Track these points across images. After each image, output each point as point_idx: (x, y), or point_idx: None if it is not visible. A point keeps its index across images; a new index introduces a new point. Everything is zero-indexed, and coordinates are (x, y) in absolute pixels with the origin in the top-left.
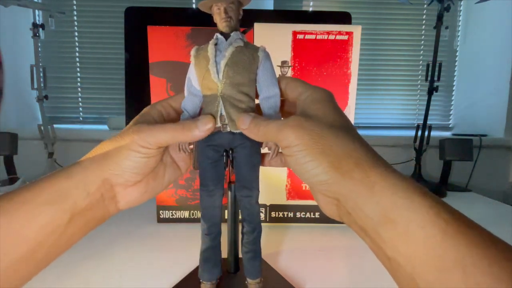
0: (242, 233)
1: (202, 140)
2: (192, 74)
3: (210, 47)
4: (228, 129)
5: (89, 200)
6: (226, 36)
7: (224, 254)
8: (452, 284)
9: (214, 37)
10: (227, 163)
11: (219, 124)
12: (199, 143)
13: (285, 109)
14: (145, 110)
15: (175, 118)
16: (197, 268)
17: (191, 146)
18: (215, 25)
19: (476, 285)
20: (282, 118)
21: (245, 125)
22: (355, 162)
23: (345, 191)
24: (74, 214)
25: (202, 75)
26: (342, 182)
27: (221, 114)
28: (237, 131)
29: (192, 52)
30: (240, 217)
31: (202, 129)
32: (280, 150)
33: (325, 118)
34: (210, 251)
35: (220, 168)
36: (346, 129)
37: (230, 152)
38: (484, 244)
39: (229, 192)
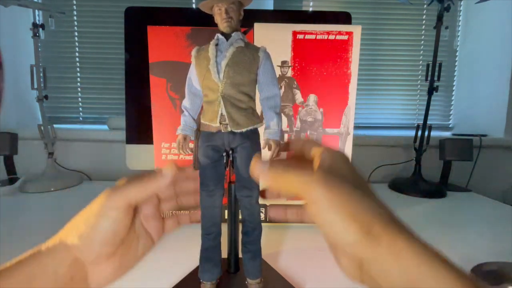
0: (242, 233)
1: (203, 140)
2: (193, 74)
3: (211, 47)
4: (229, 128)
5: (58, 285)
6: (227, 36)
7: (224, 254)
8: None
9: (215, 37)
10: (227, 163)
11: (217, 124)
12: (200, 143)
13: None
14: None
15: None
16: (197, 268)
17: (191, 146)
18: (215, 25)
19: None
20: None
21: (261, 172)
22: (383, 227)
23: (372, 255)
24: None
25: (202, 75)
26: (370, 248)
27: (221, 113)
28: (238, 131)
29: (193, 52)
30: (240, 217)
31: (167, 176)
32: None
33: (349, 179)
34: (210, 251)
35: (220, 168)
36: (370, 191)
37: (230, 152)
38: None
39: (229, 192)
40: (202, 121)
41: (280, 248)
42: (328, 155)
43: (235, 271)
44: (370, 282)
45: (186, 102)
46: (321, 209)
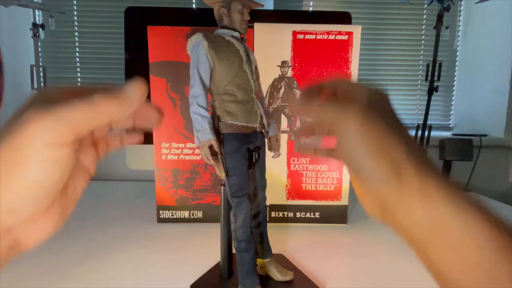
0: (258, 222)
1: (239, 143)
2: (209, 68)
3: (238, 43)
4: (266, 129)
5: None
6: (239, 36)
7: (217, 259)
8: None
9: (231, 34)
10: (254, 163)
11: (257, 124)
12: (235, 147)
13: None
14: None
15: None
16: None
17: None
18: (214, 25)
19: None
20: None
21: (299, 107)
22: (414, 168)
23: (399, 197)
24: None
25: (234, 72)
26: (398, 189)
27: (260, 114)
28: (267, 129)
29: (204, 42)
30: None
31: (135, 94)
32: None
33: (386, 117)
34: (254, 258)
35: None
36: (406, 133)
37: (257, 150)
38: None
39: (221, 194)
40: (231, 121)
41: (280, 248)
42: (366, 91)
43: (229, 276)
44: (391, 220)
45: (202, 100)
46: (353, 142)
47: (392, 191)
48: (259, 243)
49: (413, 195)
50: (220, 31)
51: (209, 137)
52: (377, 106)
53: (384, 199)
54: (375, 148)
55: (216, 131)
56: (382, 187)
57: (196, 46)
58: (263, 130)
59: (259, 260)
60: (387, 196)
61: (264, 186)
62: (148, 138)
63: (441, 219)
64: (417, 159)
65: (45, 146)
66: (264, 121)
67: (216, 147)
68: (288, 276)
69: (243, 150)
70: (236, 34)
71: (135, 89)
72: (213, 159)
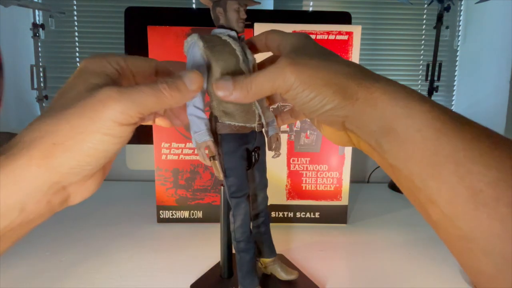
0: (260, 222)
1: (237, 143)
2: (205, 68)
3: (235, 43)
4: (264, 128)
5: (22, 217)
6: (236, 35)
7: (217, 258)
8: (445, 176)
9: (228, 33)
10: (253, 163)
11: (255, 124)
12: (232, 147)
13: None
14: (94, 65)
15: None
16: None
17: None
18: (214, 25)
19: (468, 173)
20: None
21: (229, 91)
22: (357, 83)
23: (351, 113)
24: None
25: (230, 72)
26: (348, 106)
27: (258, 113)
28: (265, 129)
29: (199, 42)
30: (249, 211)
31: (192, 87)
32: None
33: (313, 52)
34: (254, 259)
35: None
36: (337, 56)
37: (256, 150)
38: (477, 137)
39: (221, 194)
40: (228, 122)
41: (280, 248)
42: (288, 39)
43: (229, 276)
44: (355, 140)
45: (199, 101)
46: (297, 92)
47: (346, 111)
48: (262, 243)
49: (363, 106)
50: (217, 30)
51: (205, 139)
52: (303, 48)
53: (341, 123)
54: (316, 86)
55: (214, 132)
56: (335, 112)
57: (192, 46)
58: (263, 130)
59: (263, 260)
60: (342, 118)
61: (265, 186)
62: (148, 138)
63: (389, 120)
64: (357, 76)
65: (116, 124)
66: (263, 120)
67: (213, 148)
68: (293, 275)
69: (241, 150)
70: (233, 33)
71: (194, 81)
72: (210, 160)
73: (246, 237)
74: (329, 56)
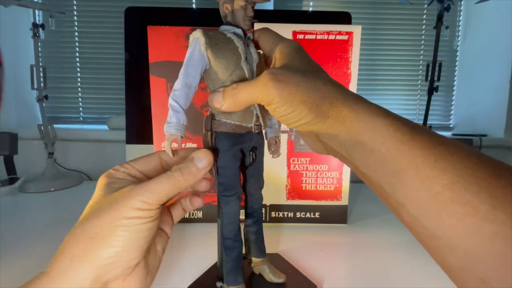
0: (253, 222)
1: (232, 142)
2: (202, 63)
3: (238, 40)
4: (263, 129)
5: None
6: (242, 33)
7: (214, 259)
8: (408, 181)
9: (233, 30)
10: (250, 163)
11: (251, 124)
12: (227, 146)
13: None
14: (106, 179)
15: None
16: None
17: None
18: (215, 25)
19: (427, 177)
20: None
21: (220, 103)
22: (329, 103)
23: (323, 128)
24: None
25: (230, 70)
26: (320, 123)
27: (256, 114)
28: (265, 130)
29: (202, 39)
30: (242, 211)
31: (203, 167)
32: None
33: (297, 67)
34: (239, 257)
35: (238, 169)
36: (318, 73)
37: (254, 150)
38: (433, 145)
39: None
40: (225, 120)
41: (280, 248)
42: (279, 48)
43: None
44: (331, 150)
45: (180, 95)
46: (277, 106)
47: (318, 126)
48: (253, 242)
49: (333, 123)
50: (223, 27)
51: (171, 131)
52: (292, 59)
53: (316, 136)
54: (294, 102)
55: (210, 129)
56: (309, 127)
57: (194, 42)
58: (263, 131)
59: (253, 259)
60: (315, 131)
61: (261, 187)
62: (148, 138)
63: (357, 134)
64: (332, 95)
65: (137, 211)
66: (261, 121)
67: (178, 144)
68: (280, 279)
69: (234, 149)
70: (238, 30)
71: (203, 160)
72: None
73: (233, 235)
74: (311, 72)
